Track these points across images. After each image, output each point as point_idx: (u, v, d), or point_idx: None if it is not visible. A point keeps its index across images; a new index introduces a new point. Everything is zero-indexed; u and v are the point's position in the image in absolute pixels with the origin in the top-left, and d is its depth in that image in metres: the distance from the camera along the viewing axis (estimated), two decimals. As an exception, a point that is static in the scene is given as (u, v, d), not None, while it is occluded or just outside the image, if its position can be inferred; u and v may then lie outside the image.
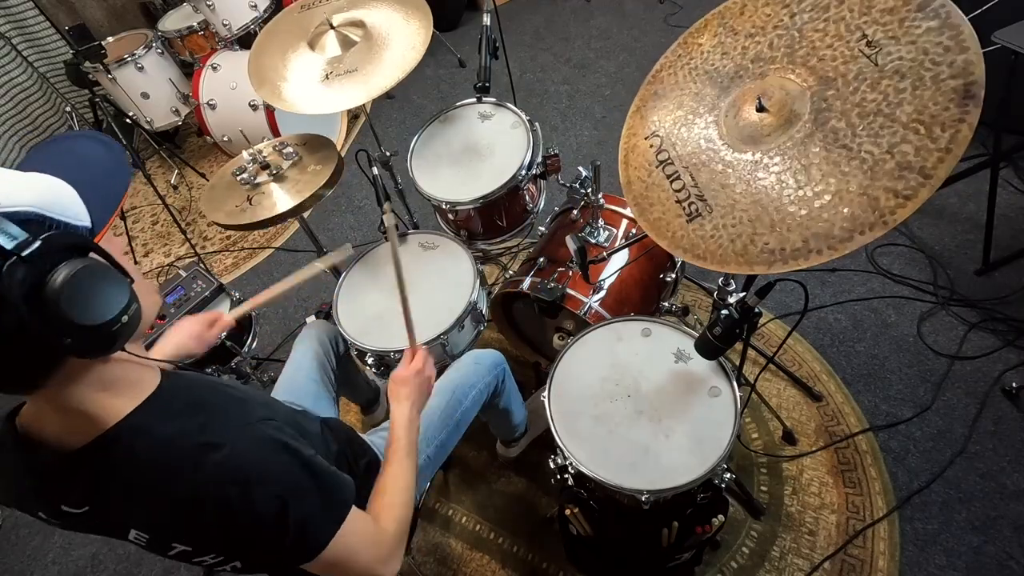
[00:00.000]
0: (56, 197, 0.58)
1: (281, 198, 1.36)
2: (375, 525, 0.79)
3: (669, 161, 0.92)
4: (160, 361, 0.71)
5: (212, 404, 0.70)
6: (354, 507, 0.75)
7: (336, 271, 1.57)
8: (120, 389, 0.65)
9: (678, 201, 0.88)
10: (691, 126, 0.93)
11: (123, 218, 2.85)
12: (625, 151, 0.99)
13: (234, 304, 1.69)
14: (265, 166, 1.42)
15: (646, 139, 0.97)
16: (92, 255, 0.58)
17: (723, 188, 0.84)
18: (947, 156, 0.66)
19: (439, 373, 1.30)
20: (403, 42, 1.40)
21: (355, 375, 1.66)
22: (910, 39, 0.72)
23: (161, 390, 0.68)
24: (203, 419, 0.67)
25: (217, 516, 0.65)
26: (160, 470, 0.64)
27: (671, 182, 0.90)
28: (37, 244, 0.52)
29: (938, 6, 0.71)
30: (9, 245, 0.51)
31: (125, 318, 0.58)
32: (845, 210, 0.73)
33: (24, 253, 0.51)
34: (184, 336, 1.12)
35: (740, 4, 0.93)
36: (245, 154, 1.43)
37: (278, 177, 1.40)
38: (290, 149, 1.44)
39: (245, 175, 1.39)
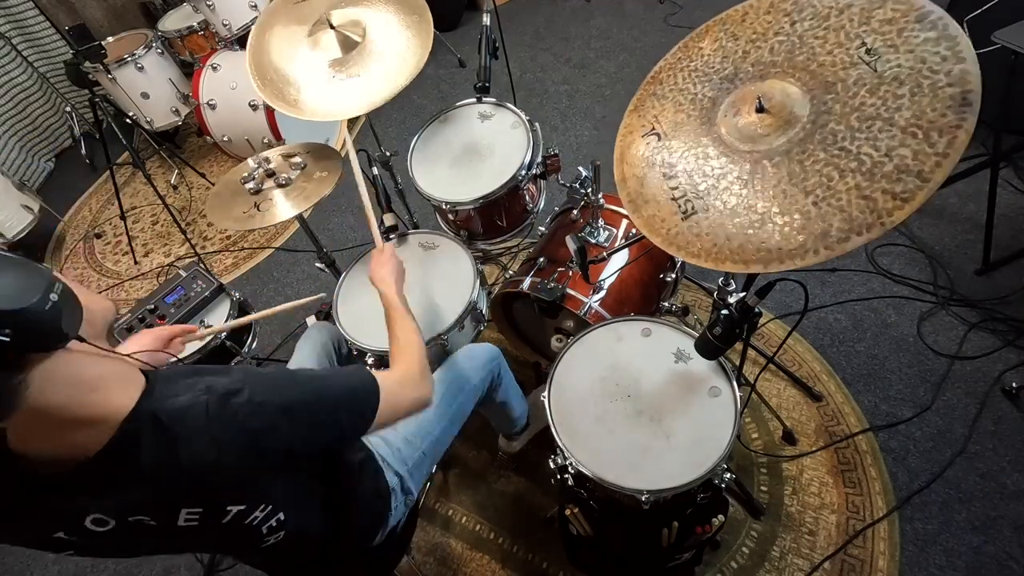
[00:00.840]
0: None
1: (288, 204, 1.37)
2: (401, 376, 0.94)
3: (666, 159, 0.92)
4: (130, 356, 0.69)
5: (205, 371, 0.72)
6: (380, 376, 0.85)
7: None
8: (110, 384, 0.63)
9: (673, 199, 0.88)
10: (689, 125, 0.93)
11: (123, 218, 2.85)
12: (621, 148, 0.99)
13: (231, 314, 1.69)
14: (271, 173, 1.42)
15: (643, 137, 0.97)
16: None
17: (720, 187, 0.84)
18: (944, 160, 0.67)
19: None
20: (403, 44, 1.40)
21: None
22: (908, 48, 0.74)
23: (155, 378, 0.68)
24: (207, 381, 0.68)
25: (264, 451, 0.69)
26: (196, 432, 0.64)
27: (667, 180, 0.90)
28: None
29: (936, 18, 0.73)
30: None
31: (54, 295, 0.57)
32: (843, 210, 0.73)
33: None
34: (136, 348, 1.03)
35: (742, 12, 0.94)
36: (251, 161, 1.44)
37: (284, 184, 1.41)
38: (298, 159, 1.45)
39: (251, 184, 1.40)
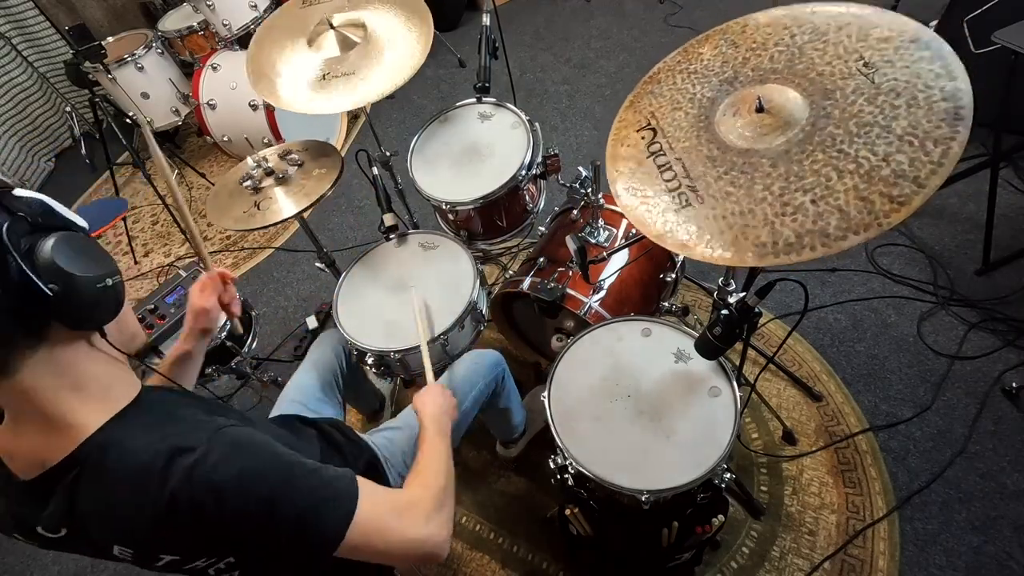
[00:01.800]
0: (59, 206, 0.67)
1: (288, 203, 1.37)
2: (400, 496, 0.78)
3: (661, 152, 0.92)
4: (136, 359, 0.73)
5: (183, 416, 0.69)
6: (366, 488, 0.73)
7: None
8: (93, 392, 0.64)
9: (668, 191, 0.88)
10: (687, 122, 0.93)
11: (123, 219, 2.85)
12: (614, 142, 0.99)
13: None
14: (270, 172, 1.42)
15: (638, 131, 0.97)
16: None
17: (716, 180, 0.84)
18: (939, 169, 0.69)
19: (439, 373, 1.31)
20: (403, 48, 1.40)
21: (363, 384, 1.67)
22: (904, 64, 0.77)
23: (138, 402, 0.68)
24: (173, 428, 0.66)
25: (197, 523, 0.63)
26: (132, 481, 0.62)
27: (662, 172, 0.90)
28: (40, 217, 0.62)
29: (929, 40, 0.77)
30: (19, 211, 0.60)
31: (110, 281, 0.65)
32: (841, 210, 0.73)
33: (29, 218, 0.60)
34: (193, 317, 1.00)
35: (742, 23, 0.96)
36: (250, 160, 1.44)
37: (283, 182, 1.41)
38: (294, 155, 1.45)
39: (250, 182, 1.40)
